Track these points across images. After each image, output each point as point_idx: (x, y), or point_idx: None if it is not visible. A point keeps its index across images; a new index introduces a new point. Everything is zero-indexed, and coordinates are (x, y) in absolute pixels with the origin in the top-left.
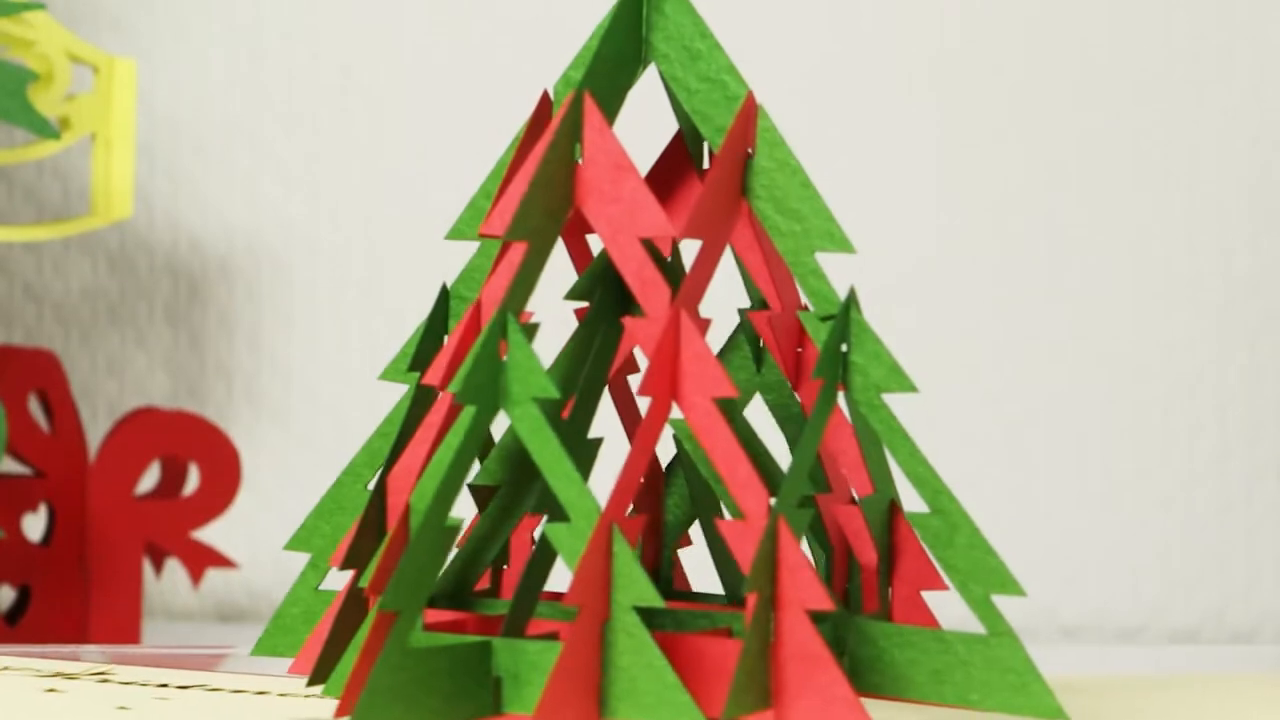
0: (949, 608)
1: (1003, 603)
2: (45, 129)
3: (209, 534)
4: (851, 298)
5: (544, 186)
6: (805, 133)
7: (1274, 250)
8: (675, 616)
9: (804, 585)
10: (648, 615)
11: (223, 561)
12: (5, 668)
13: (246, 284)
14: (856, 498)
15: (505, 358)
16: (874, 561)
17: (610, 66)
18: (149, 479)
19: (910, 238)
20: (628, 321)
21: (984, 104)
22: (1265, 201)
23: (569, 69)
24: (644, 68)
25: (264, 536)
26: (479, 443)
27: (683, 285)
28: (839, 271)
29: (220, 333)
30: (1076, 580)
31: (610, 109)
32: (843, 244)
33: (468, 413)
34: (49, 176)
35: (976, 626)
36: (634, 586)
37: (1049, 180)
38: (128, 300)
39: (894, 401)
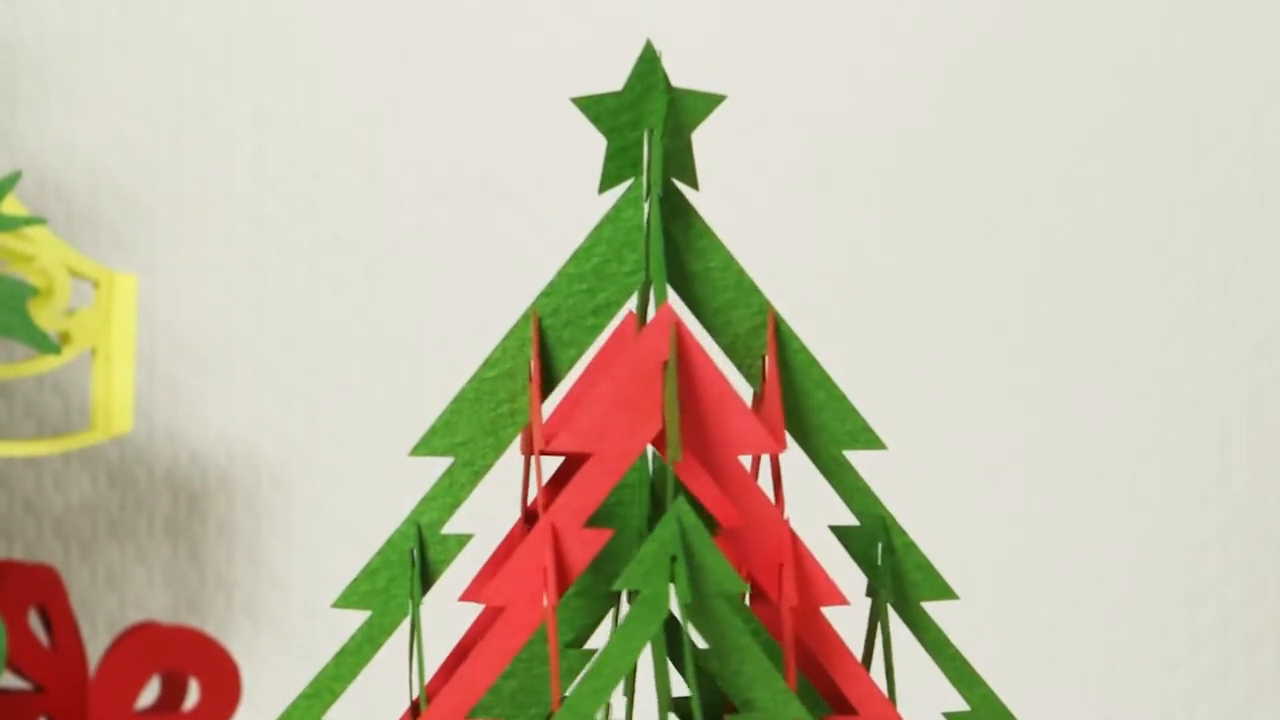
0: None
1: None
2: (45, 344)
3: None
4: (679, 507)
5: (471, 401)
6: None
7: (1275, 460)
8: None
9: None
10: None
11: None
12: None
13: (246, 496)
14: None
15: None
16: None
17: (586, 283)
18: (149, 693)
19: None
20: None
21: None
22: (1262, 402)
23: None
24: (645, 278)
25: None
26: (373, 648)
27: (559, 497)
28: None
29: (220, 545)
30: None
31: (589, 324)
32: (677, 455)
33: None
34: (49, 391)
35: None
36: None
37: (1031, 397)
38: (127, 514)
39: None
